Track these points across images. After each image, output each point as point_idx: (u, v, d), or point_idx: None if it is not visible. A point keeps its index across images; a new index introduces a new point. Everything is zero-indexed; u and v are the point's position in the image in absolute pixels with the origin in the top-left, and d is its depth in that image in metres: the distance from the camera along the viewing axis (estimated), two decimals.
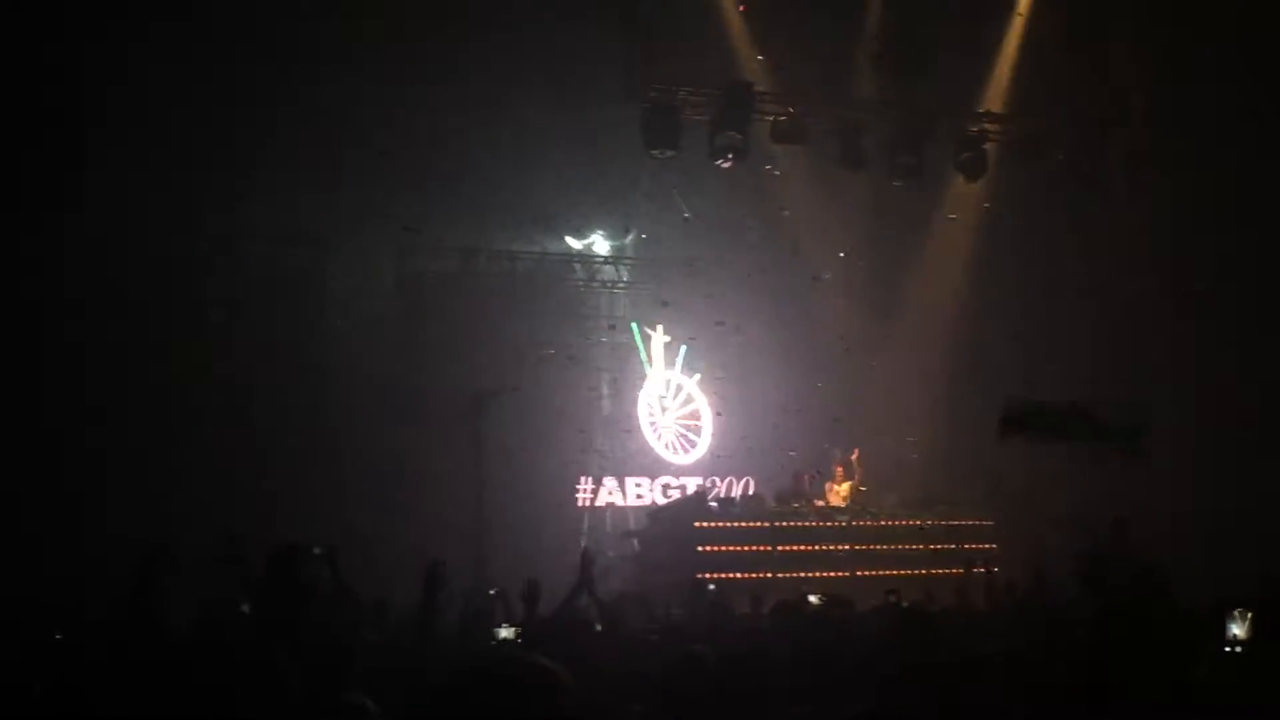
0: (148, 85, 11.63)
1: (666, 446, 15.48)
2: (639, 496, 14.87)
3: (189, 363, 12.34)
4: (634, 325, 15.67)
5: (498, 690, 2.37)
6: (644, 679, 3.26)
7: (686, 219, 14.80)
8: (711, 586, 10.70)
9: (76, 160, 11.59)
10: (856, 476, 13.27)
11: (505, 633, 5.06)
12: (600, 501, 14.78)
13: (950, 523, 12.72)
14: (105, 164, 11.64)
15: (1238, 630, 4.76)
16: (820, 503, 13.06)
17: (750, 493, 14.46)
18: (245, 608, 5.93)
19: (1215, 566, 9.58)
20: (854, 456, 13.37)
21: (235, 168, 12.40)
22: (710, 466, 15.38)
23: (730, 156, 13.51)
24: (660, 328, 15.73)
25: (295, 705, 3.73)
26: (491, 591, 8.16)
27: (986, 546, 12.67)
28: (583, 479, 14.72)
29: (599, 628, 5.86)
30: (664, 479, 15.14)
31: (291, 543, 6.26)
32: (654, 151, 13.37)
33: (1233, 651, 4.66)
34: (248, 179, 12.52)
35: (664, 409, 15.61)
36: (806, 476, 13.32)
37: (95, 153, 11.64)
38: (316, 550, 6.39)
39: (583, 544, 11.46)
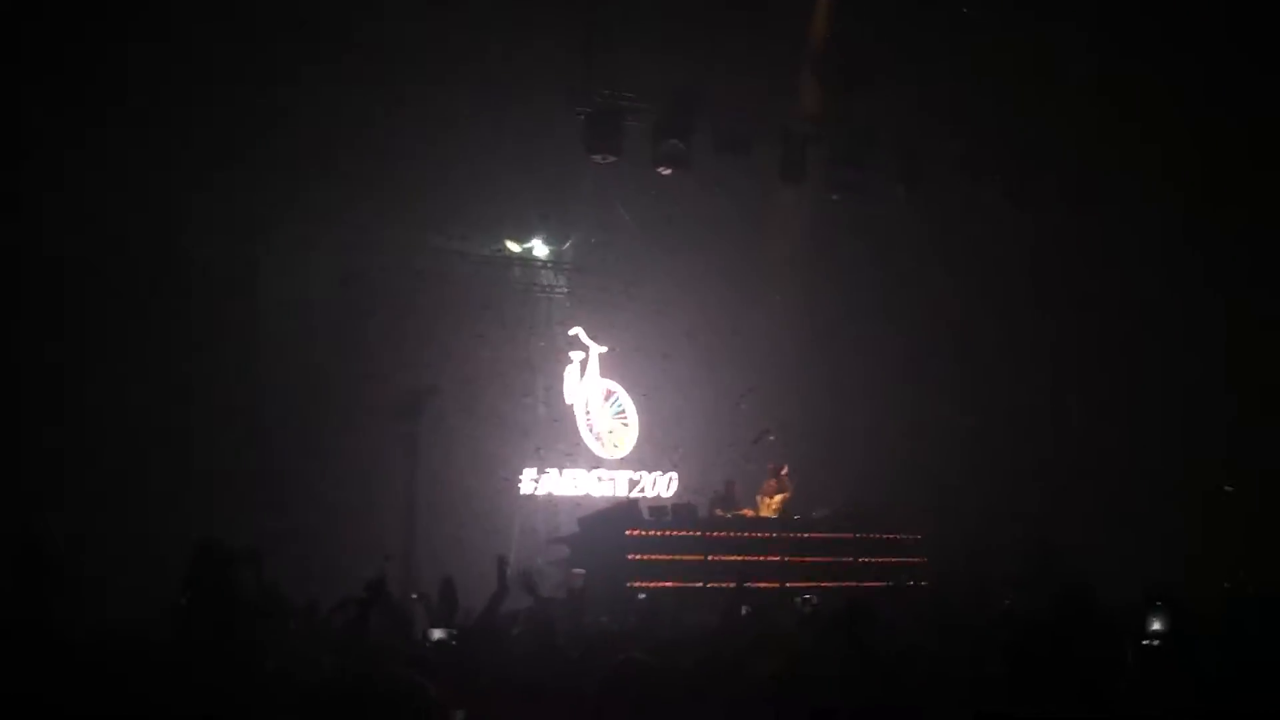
0: (89, 76, 11.36)
1: (599, 442, 15.93)
2: (575, 486, 15.43)
3: (118, 357, 12.06)
4: (576, 331, 15.86)
5: (368, 705, 2.35)
6: (573, 683, 3.22)
7: (618, 218, 14.92)
8: (642, 595, 10.72)
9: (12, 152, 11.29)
10: (788, 491, 13.40)
11: (439, 634, 4.97)
12: (541, 491, 15.15)
13: (881, 536, 12.84)
14: (43, 156, 11.37)
15: (1158, 624, 4.90)
16: (750, 513, 13.18)
17: (673, 488, 15.25)
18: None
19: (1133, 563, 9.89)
20: (784, 471, 13.50)
21: (172, 160, 12.16)
22: (638, 463, 15.93)
23: (671, 164, 13.52)
24: (595, 336, 15.98)
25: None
26: (414, 595, 8.07)
27: (915, 560, 12.82)
28: (525, 470, 15.06)
29: (517, 632, 5.81)
30: (598, 471, 15.73)
31: (210, 543, 6.12)
32: (595, 156, 13.32)
33: (1151, 645, 4.78)
34: (185, 171, 12.29)
35: (598, 409, 16.01)
36: (736, 485, 13.46)
37: (33, 144, 11.35)
38: (239, 551, 6.26)
39: (503, 552, 11.44)
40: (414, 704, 2.43)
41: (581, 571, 9.54)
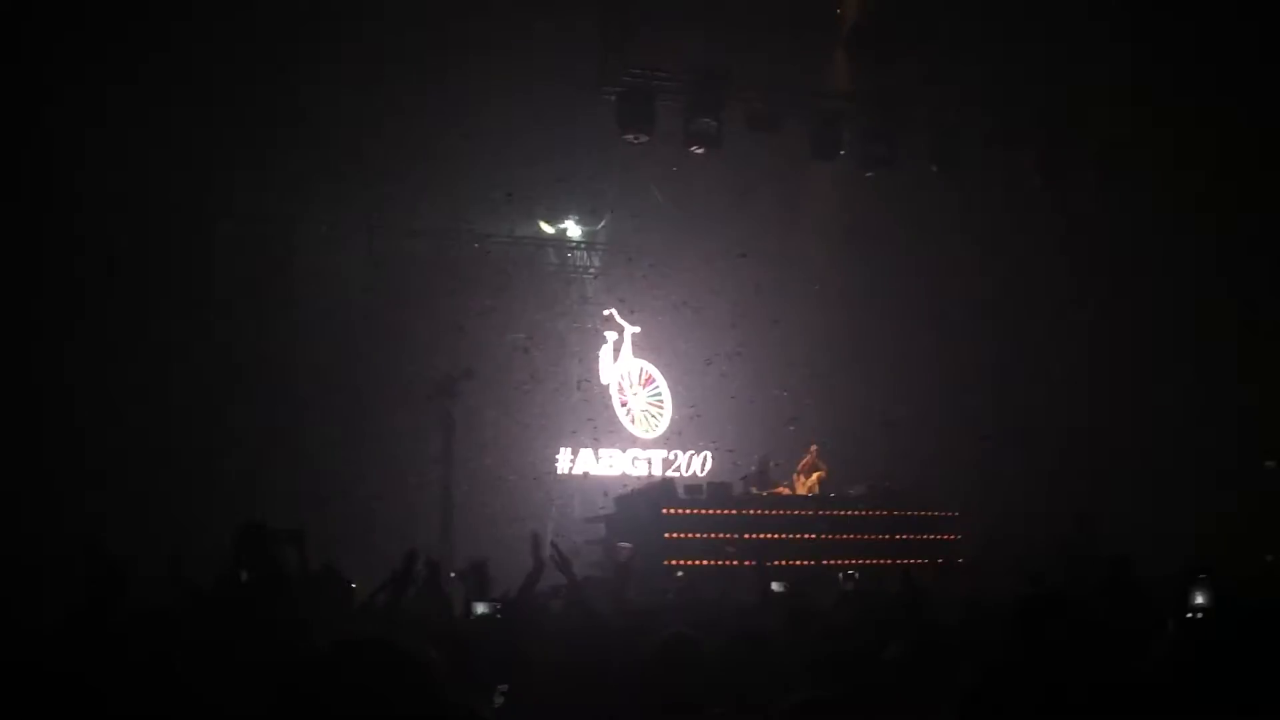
0: (115, 64, 11.46)
1: (634, 422, 16.06)
2: (610, 466, 15.65)
3: (152, 340, 12.22)
4: (610, 311, 15.90)
5: (367, 666, 2.37)
6: (617, 660, 3.27)
7: (660, 203, 14.91)
8: (679, 574, 10.77)
9: (37, 138, 11.43)
10: (823, 470, 13.43)
11: (482, 608, 5.03)
12: (578, 470, 15.38)
13: (916, 513, 12.82)
14: (69, 143, 11.50)
15: (1201, 598, 4.86)
16: (786, 491, 13.20)
17: (709, 467, 15.45)
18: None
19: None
20: (813, 449, 13.53)
21: (205, 144, 12.28)
22: (673, 442, 16.11)
23: (704, 143, 13.48)
24: (629, 316, 16.00)
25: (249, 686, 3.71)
26: (452, 574, 8.15)
27: (951, 537, 12.80)
28: (561, 450, 15.29)
29: (557, 608, 5.88)
30: (633, 451, 15.92)
31: (256, 523, 6.23)
32: (628, 136, 13.30)
33: (1194, 618, 4.74)
34: (217, 156, 12.41)
35: (632, 389, 16.15)
36: (772, 463, 13.48)
37: (59, 131, 11.48)
38: (283, 531, 6.36)
39: (542, 528, 11.58)
40: (417, 667, 2.43)
41: (628, 545, 9.58)
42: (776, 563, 10.27)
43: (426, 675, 2.28)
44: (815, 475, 13.45)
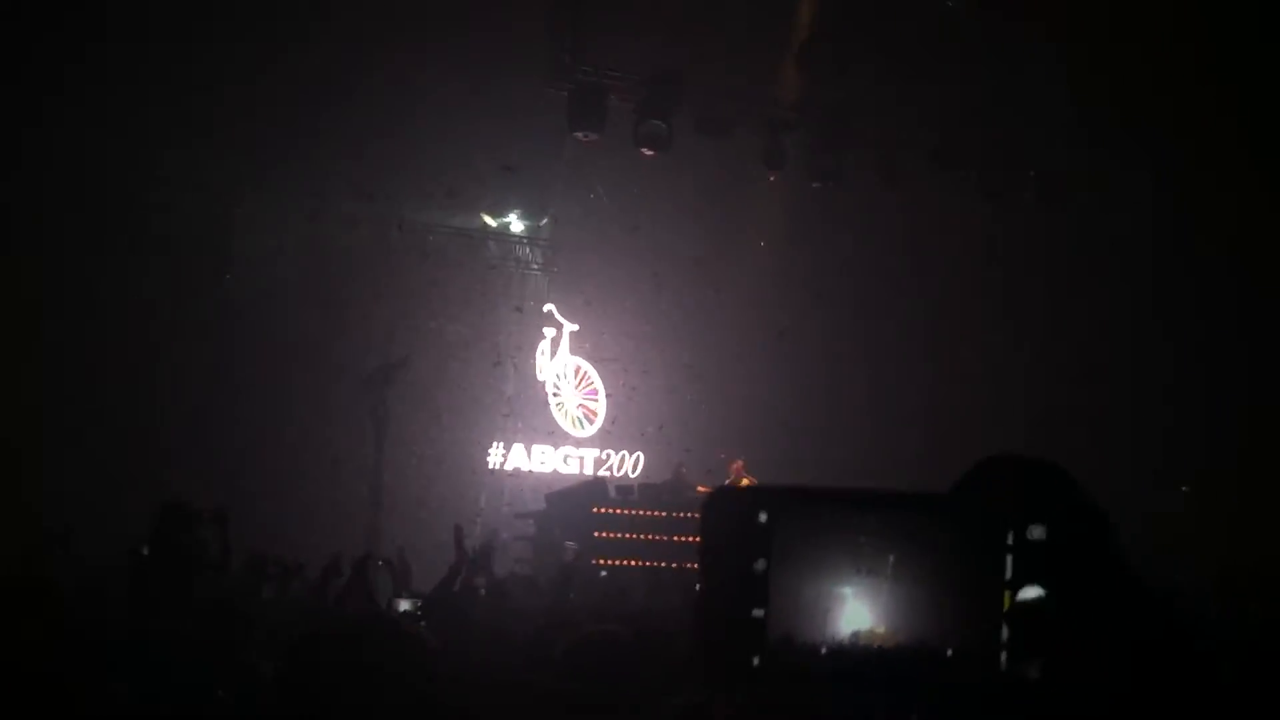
0: (56, 26, 11.23)
1: (568, 420, 16.04)
2: (542, 463, 15.56)
3: (79, 314, 11.99)
4: (549, 308, 15.89)
5: (374, 643, 2.39)
6: (539, 652, 3.29)
7: (595, 198, 14.96)
8: (603, 573, 10.79)
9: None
10: (748, 480, 13.53)
11: (405, 605, 5.01)
12: (509, 466, 15.28)
13: None
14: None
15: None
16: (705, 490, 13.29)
17: (640, 468, 15.48)
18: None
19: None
20: (738, 464, 13.61)
21: (144, 119, 12.06)
22: (605, 441, 16.08)
23: (653, 145, 13.52)
24: (568, 314, 16.05)
25: (177, 668, 3.67)
26: (379, 562, 8.12)
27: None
28: (494, 444, 15.17)
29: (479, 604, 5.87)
30: (565, 449, 15.84)
31: (175, 504, 6.16)
32: (577, 133, 13.30)
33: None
34: (155, 132, 12.19)
35: (565, 386, 16.15)
36: (683, 468, 13.64)
37: None
38: (204, 511, 6.30)
39: (469, 522, 11.54)
40: (418, 646, 2.46)
41: (574, 545, 9.57)
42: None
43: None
44: (743, 482, 13.54)
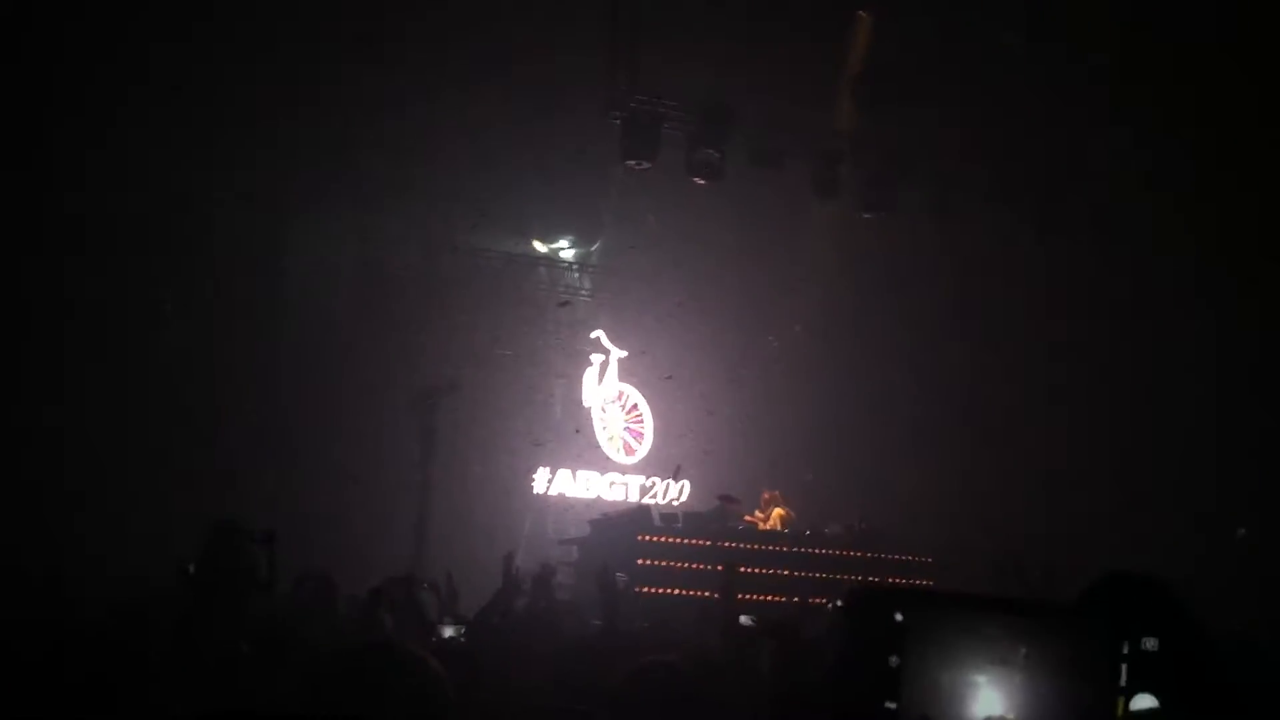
0: (110, 43, 11.45)
1: (613, 446, 16.06)
2: (587, 489, 15.49)
3: (145, 340, 12.17)
4: (597, 334, 15.92)
5: (378, 671, 2.39)
6: (592, 683, 3.25)
7: (646, 226, 14.99)
8: (647, 601, 10.72)
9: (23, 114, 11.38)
10: (783, 509, 13.45)
11: (449, 631, 4.98)
12: (554, 490, 15.24)
13: (890, 556, 12.80)
14: (54, 120, 11.46)
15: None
16: (760, 520, 13.24)
17: (685, 495, 15.24)
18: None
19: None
20: (768, 496, 13.53)
21: (196, 139, 12.24)
22: (649, 468, 15.99)
23: (705, 175, 13.55)
24: (616, 340, 16.04)
25: (213, 688, 3.68)
26: (425, 585, 8.11)
27: (924, 583, 12.77)
28: (539, 469, 15.13)
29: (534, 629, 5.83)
30: (610, 475, 15.77)
31: (225, 523, 6.21)
32: (630, 162, 13.35)
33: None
34: (210, 152, 12.37)
35: (611, 413, 16.14)
36: (730, 498, 13.52)
37: (45, 109, 11.45)
38: (254, 531, 6.33)
39: (511, 549, 11.47)
40: (420, 678, 2.46)
41: (624, 576, 9.53)
42: (744, 597, 10.20)
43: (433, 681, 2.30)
44: (775, 512, 13.46)
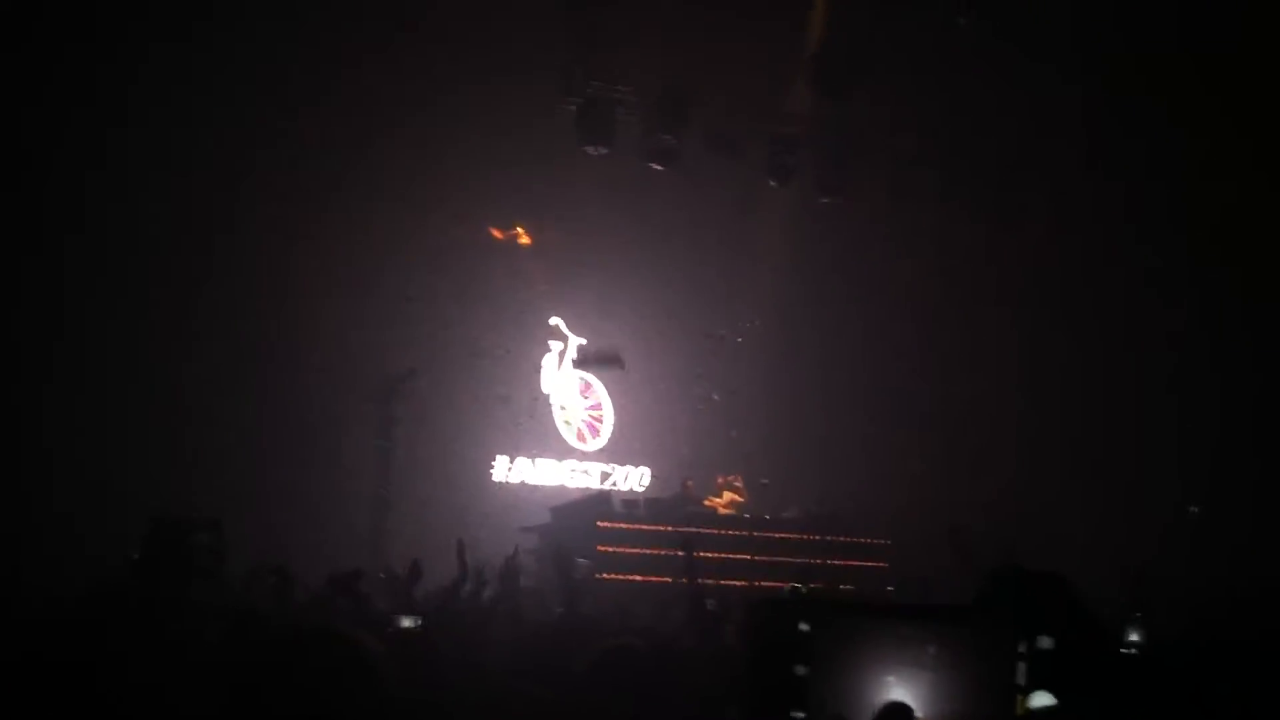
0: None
1: (573, 433, 16.03)
2: (547, 476, 15.47)
3: (99, 334, 12.00)
4: (556, 321, 15.86)
5: (313, 661, 2.36)
6: (557, 667, 3.24)
7: (604, 212, 14.95)
8: (605, 587, 10.73)
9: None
10: (739, 496, 13.57)
11: (407, 622, 4.94)
12: (514, 478, 15.21)
13: (849, 539, 12.89)
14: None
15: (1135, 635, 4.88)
16: (722, 505, 13.34)
17: (646, 482, 15.39)
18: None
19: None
20: (722, 480, 13.65)
21: (159, 142, 12.08)
22: (611, 455, 16.02)
23: (662, 160, 13.54)
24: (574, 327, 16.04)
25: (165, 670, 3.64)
26: (381, 574, 8.06)
27: (880, 565, 12.89)
28: (499, 457, 15.09)
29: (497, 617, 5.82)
30: (570, 462, 15.77)
31: (170, 515, 6.16)
32: (587, 147, 13.31)
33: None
34: (172, 155, 12.22)
35: (571, 400, 16.12)
36: (690, 482, 13.67)
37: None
38: (198, 520, 6.28)
39: (472, 535, 11.42)
40: (365, 666, 2.43)
41: (587, 562, 9.53)
42: (703, 581, 10.22)
43: (372, 667, 2.28)
44: (727, 495, 13.58)
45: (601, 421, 16.27)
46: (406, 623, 5.32)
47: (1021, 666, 1.93)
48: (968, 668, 1.91)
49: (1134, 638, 4.94)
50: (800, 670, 1.84)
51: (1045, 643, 1.96)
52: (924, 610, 2.01)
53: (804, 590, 8.34)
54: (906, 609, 2.01)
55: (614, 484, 15.64)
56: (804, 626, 1.86)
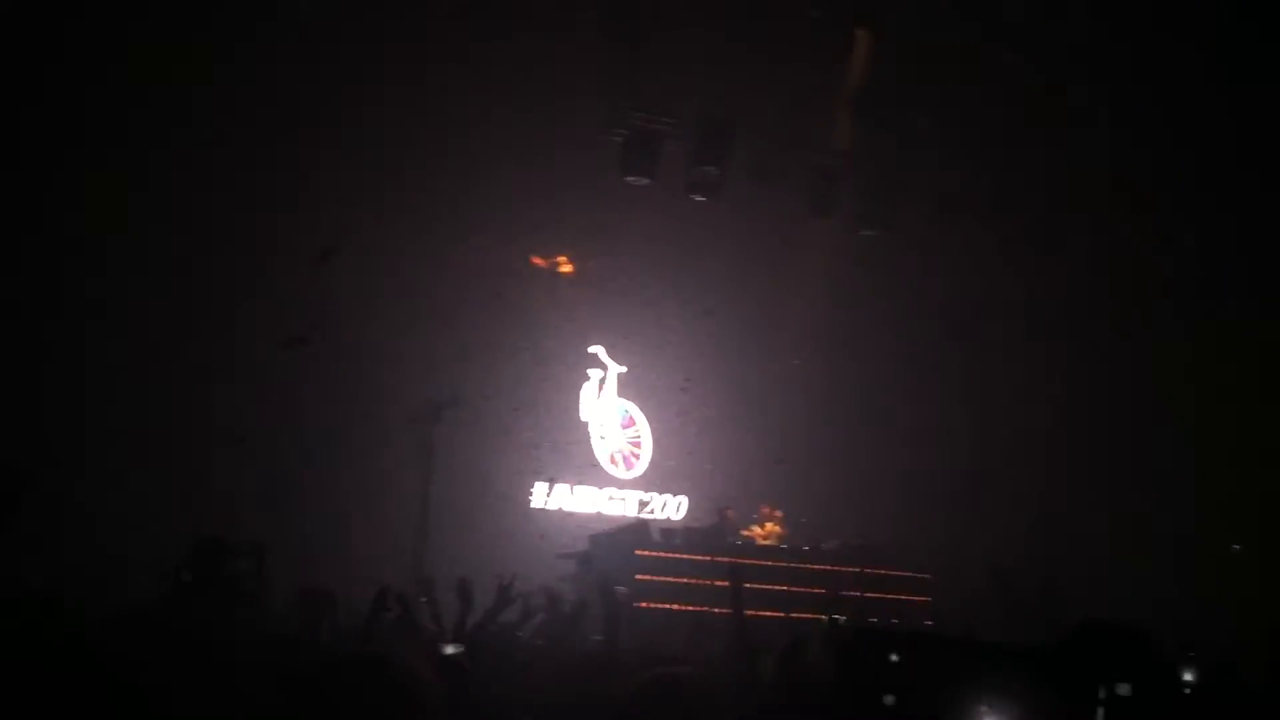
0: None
1: (612, 462, 16.09)
2: (586, 503, 15.56)
3: (142, 352, 12.16)
4: (596, 349, 15.95)
5: (353, 686, 2.40)
6: (595, 696, 3.26)
7: (647, 242, 15.03)
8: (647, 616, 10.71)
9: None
10: (776, 525, 13.52)
11: (450, 649, 4.98)
12: (553, 505, 15.31)
13: (889, 572, 12.80)
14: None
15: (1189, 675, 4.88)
16: (759, 534, 13.29)
17: (683, 511, 15.49)
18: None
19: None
20: (766, 510, 13.59)
21: (188, 161, 12.26)
22: (648, 483, 16.09)
23: (704, 191, 13.59)
24: (615, 356, 16.09)
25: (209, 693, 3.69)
26: (423, 599, 8.09)
27: (921, 600, 12.78)
28: (537, 483, 15.20)
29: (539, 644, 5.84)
30: (609, 489, 15.85)
31: (212, 538, 6.23)
32: (629, 178, 13.40)
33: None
34: (205, 171, 12.38)
35: (610, 428, 16.19)
36: (730, 511, 13.59)
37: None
38: (241, 544, 6.34)
39: (505, 569, 11.36)
40: (410, 691, 2.46)
41: (624, 589, 9.55)
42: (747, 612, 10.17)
43: (421, 696, 2.31)
44: (769, 526, 13.52)
45: (640, 450, 16.30)
46: (449, 650, 5.36)
47: (1101, 711, 2.03)
48: (1049, 708, 2.00)
49: (1188, 677, 4.92)
50: (889, 700, 1.91)
51: (1124, 689, 2.06)
52: (1009, 649, 2.11)
53: (841, 622, 8.31)
54: (993, 647, 2.08)
55: (651, 511, 15.66)
56: (894, 657, 1.93)
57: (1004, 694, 2.01)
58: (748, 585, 11.49)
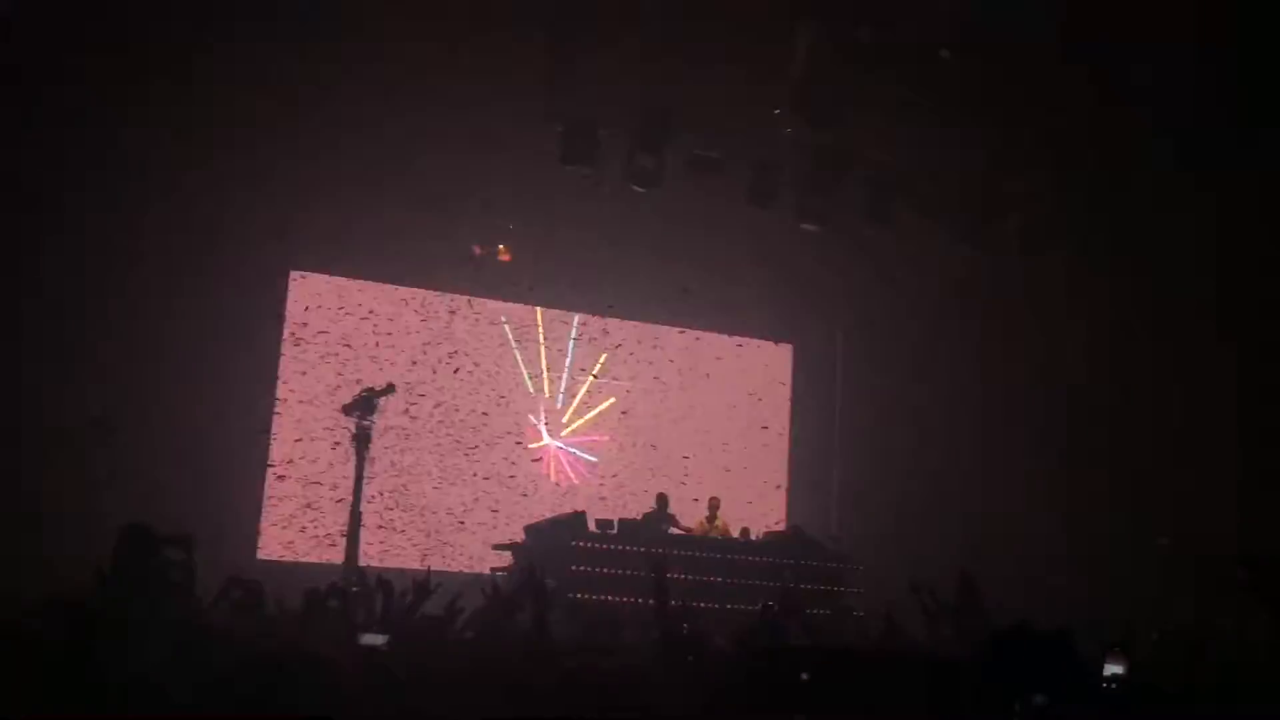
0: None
1: (566, 464, 16.11)
2: (524, 495, 15.51)
3: (75, 350, 11.96)
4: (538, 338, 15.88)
5: (271, 678, 2.38)
6: (521, 687, 3.25)
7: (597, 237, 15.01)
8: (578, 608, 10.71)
9: None
10: (717, 515, 13.61)
11: (370, 639, 4.93)
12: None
13: (822, 563, 12.91)
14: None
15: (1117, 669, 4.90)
16: (697, 529, 13.35)
17: (628, 505, 15.23)
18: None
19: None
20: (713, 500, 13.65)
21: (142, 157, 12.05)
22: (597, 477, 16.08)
23: (643, 182, 13.56)
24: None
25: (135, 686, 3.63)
26: (353, 589, 8.02)
27: (853, 591, 12.91)
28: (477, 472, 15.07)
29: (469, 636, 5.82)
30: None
31: (138, 527, 6.13)
32: (569, 168, 13.33)
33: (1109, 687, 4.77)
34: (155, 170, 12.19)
35: (558, 428, 16.13)
36: (667, 504, 13.71)
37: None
38: (170, 535, 6.25)
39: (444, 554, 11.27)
40: (330, 683, 2.45)
41: (554, 582, 9.53)
42: (675, 603, 10.23)
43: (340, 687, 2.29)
44: (709, 519, 13.63)
45: (593, 454, 16.23)
46: (373, 640, 5.32)
47: None
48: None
49: (1108, 679, 4.95)
50: None
51: (1039, 699, 2.07)
52: (923, 663, 2.24)
53: (775, 608, 8.37)
54: (907, 661, 2.13)
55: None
56: (804, 676, 2.09)
57: (919, 704, 2.08)
58: (682, 576, 11.61)
